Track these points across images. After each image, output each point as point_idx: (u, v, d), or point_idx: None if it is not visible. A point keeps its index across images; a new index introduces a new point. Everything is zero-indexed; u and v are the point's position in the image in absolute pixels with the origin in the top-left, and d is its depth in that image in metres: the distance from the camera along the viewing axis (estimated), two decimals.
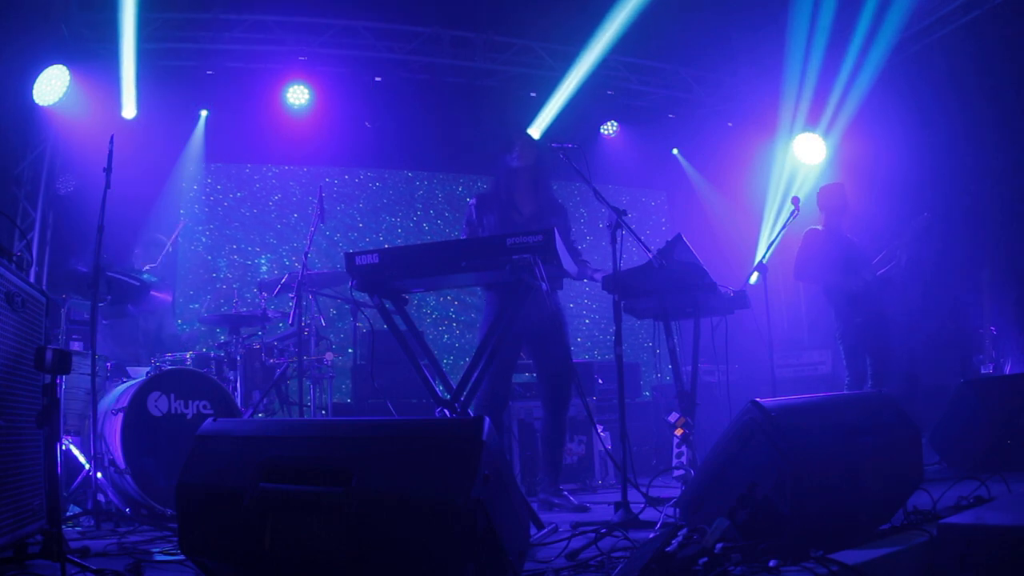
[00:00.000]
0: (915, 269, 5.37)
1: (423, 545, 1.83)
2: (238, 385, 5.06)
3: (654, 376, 7.41)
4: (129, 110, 6.63)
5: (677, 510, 2.77)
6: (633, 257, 4.19)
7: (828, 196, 5.53)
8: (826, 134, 8.20)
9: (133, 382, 4.25)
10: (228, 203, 7.99)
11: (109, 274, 4.65)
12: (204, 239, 7.80)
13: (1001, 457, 4.03)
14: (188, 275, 7.64)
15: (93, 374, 3.86)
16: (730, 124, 8.52)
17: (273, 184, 8.15)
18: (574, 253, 4.15)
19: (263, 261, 7.95)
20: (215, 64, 7.03)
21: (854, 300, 5.28)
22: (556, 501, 4.11)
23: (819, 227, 5.51)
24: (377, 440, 2.02)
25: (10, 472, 2.37)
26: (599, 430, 5.38)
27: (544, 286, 2.97)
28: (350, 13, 7.06)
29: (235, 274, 7.85)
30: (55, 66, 6.14)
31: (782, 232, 5.18)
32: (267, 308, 5.44)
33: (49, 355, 2.25)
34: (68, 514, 3.59)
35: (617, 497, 3.46)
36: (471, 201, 4.29)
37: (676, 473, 3.84)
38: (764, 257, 5.09)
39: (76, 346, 4.84)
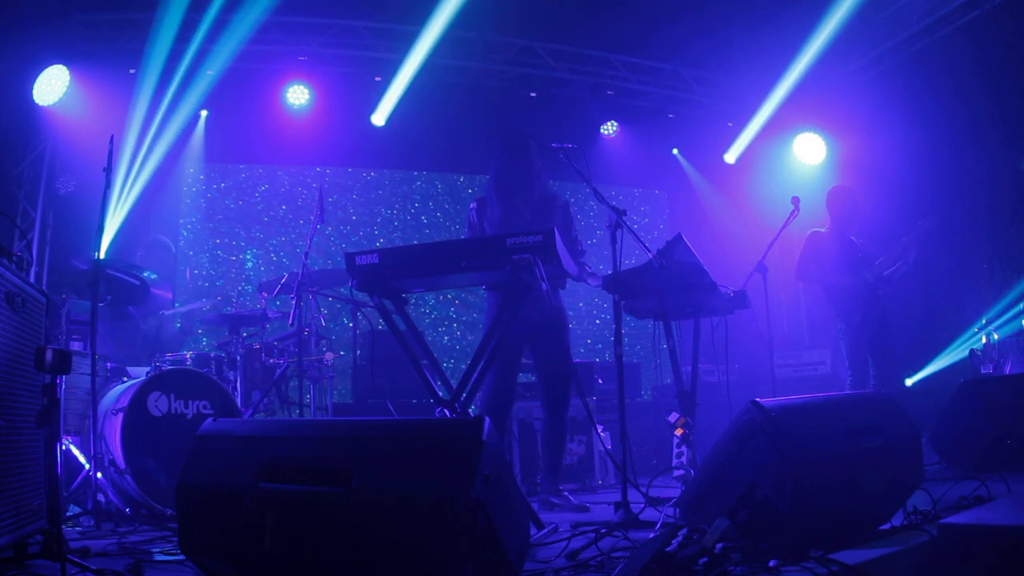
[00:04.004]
0: (919, 269, 5.37)
1: (423, 545, 1.83)
2: (238, 385, 5.06)
3: (654, 376, 7.41)
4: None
5: (677, 510, 2.77)
6: (633, 257, 4.19)
7: (837, 199, 5.54)
8: (826, 134, 8.22)
9: (133, 382, 4.24)
10: (211, 195, 7.85)
11: (109, 271, 4.64)
12: (185, 233, 7.65)
13: (1001, 457, 4.03)
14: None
15: (93, 374, 3.86)
16: (730, 124, 8.52)
17: (260, 174, 8.00)
18: (576, 252, 4.15)
19: (248, 257, 7.82)
20: (215, 64, 7.02)
21: (855, 299, 5.28)
22: (556, 501, 4.12)
23: (822, 229, 5.51)
24: (377, 440, 2.02)
25: (10, 472, 2.37)
26: (599, 430, 5.38)
27: (544, 286, 2.97)
28: (350, 13, 7.05)
29: (218, 270, 7.72)
30: (55, 66, 6.14)
31: (781, 232, 5.17)
32: (267, 308, 5.44)
33: (49, 355, 2.25)
34: (68, 514, 3.59)
35: (617, 497, 3.46)
36: (472, 205, 4.30)
37: (676, 473, 3.84)
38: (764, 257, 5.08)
39: (76, 346, 4.84)
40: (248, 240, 7.87)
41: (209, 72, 6.85)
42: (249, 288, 7.52)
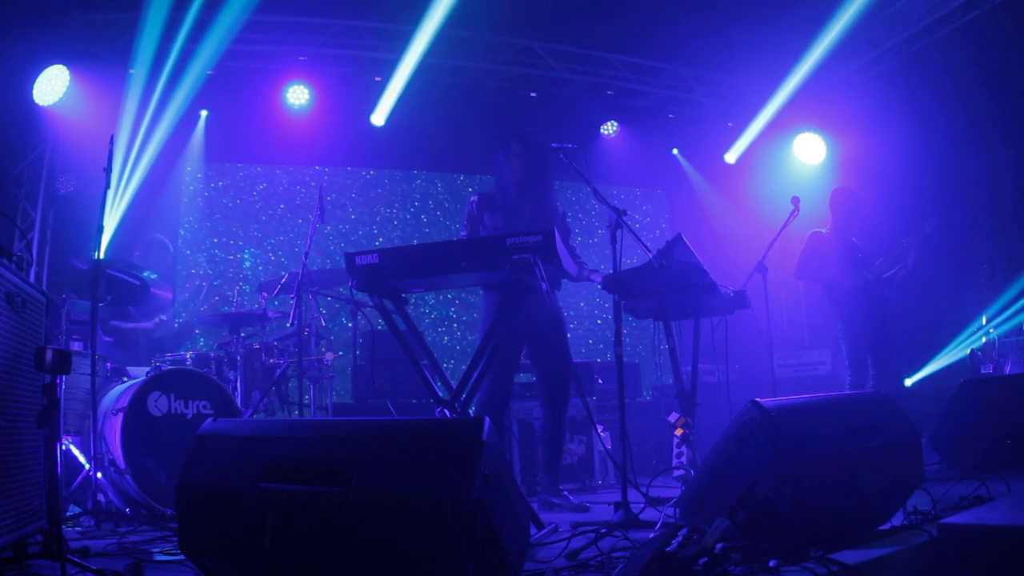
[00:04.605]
0: (919, 271, 5.37)
1: (423, 545, 1.83)
2: (238, 385, 5.06)
3: (654, 376, 7.41)
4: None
5: (677, 510, 2.77)
6: (634, 257, 4.19)
7: (840, 199, 5.54)
8: (826, 134, 8.22)
9: (133, 382, 4.25)
10: (209, 194, 7.81)
11: (109, 272, 4.65)
12: (182, 232, 7.61)
13: (1001, 457, 4.03)
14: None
15: (93, 374, 3.86)
16: (730, 124, 8.52)
17: (258, 173, 7.97)
18: (572, 255, 4.15)
19: (246, 256, 7.76)
20: (215, 64, 7.01)
21: (855, 299, 5.29)
22: (556, 501, 4.11)
23: (823, 230, 5.52)
24: (377, 440, 2.02)
25: (10, 472, 2.37)
26: (599, 430, 5.38)
27: (544, 286, 2.97)
28: (350, 13, 7.05)
29: (216, 270, 7.68)
30: (55, 66, 6.14)
31: (781, 232, 5.17)
32: (267, 308, 5.44)
33: (49, 355, 2.25)
34: (68, 514, 3.59)
35: (617, 497, 3.46)
36: (473, 198, 4.28)
37: (676, 473, 3.84)
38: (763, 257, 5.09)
39: (76, 346, 4.84)
40: (246, 239, 7.83)
41: (208, 72, 6.85)
42: (247, 288, 7.50)
